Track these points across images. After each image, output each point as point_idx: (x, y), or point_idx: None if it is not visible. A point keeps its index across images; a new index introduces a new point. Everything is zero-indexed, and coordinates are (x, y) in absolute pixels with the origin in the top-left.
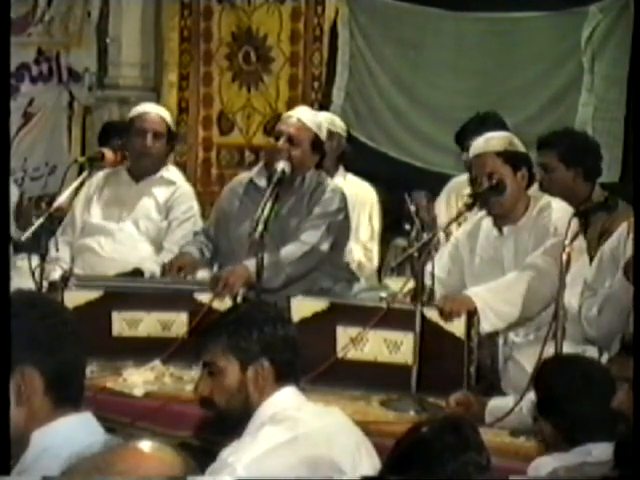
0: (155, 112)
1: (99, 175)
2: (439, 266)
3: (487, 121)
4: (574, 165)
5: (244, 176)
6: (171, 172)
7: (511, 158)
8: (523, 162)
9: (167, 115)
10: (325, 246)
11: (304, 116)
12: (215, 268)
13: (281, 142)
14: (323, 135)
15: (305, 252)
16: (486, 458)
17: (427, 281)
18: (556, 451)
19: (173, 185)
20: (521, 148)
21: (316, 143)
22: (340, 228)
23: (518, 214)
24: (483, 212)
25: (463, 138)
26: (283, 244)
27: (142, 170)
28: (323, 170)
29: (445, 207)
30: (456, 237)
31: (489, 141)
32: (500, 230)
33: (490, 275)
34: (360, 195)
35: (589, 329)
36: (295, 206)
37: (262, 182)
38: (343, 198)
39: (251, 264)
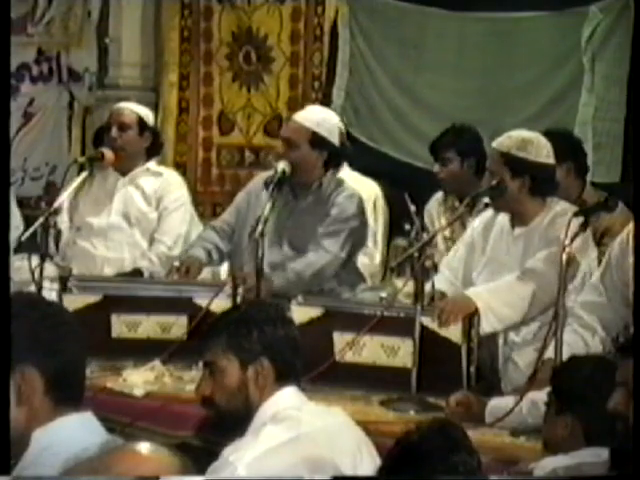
0: (124, 106)
1: (84, 175)
2: (456, 258)
3: (464, 134)
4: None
5: (261, 177)
6: (159, 166)
7: (511, 162)
8: (526, 170)
9: (140, 109)
10: (344, 254)
11: (299, 116)
12: (225, 266)
13: (280, 148)
14: (324, 131)
15: (328, 262)
16: (476, 459)
17: (428, 283)
18: (568, 449)
19: (160, 176)
20: (531, 155)
21: (315, 141)
22: (357, 234)
23: (528, 217)
24: None
25: (438, 149)
26: (298, 242)
27: (124, 163)
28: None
29: (435, 213)
30: (473, 227)
31: (502, 139)
32: (513, 228)
33: (496, 270)
34: (363, 192)
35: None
36: (312, 207)
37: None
38: (360, 203)
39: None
